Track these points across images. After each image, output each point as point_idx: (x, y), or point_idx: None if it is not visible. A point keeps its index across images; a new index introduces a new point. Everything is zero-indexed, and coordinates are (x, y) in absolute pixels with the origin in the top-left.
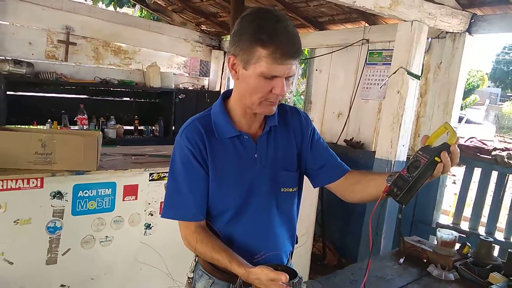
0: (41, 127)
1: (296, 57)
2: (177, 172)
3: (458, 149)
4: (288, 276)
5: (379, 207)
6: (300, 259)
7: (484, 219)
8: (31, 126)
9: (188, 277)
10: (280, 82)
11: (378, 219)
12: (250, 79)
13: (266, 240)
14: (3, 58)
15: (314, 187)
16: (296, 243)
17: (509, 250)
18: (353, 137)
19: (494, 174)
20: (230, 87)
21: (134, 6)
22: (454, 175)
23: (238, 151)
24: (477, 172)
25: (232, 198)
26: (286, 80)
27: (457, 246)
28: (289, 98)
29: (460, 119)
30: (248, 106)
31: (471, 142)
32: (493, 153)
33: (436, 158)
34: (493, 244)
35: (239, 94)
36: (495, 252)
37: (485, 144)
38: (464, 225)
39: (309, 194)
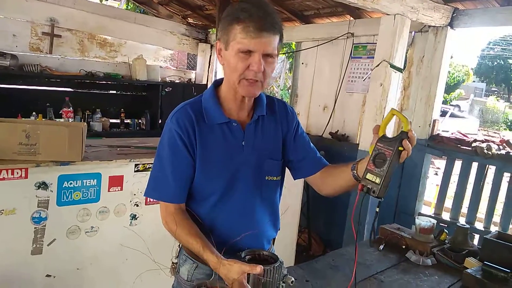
0: (25, 119)
1: (269, 30)
2: (163, 154)
3: (415, 133)
4: (262, 268)
5: (359, 205)
6: (285, 249)
7: (465, 209)
8: (14, 119)
9: (173, 262)
10: (256, 57)
11: (360, 210)
12: (230, 58)
13: (249, 226)
14: None
15: (294, 179)
16: (278, 229)
17: (484, 236)
18: (338, 130)
19: (475, 165)
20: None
21: None
22: (438, 168)
23: (226, 137)
24: (458, 164)
25: (217, 182)
26: (265, 58)
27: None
28: (277, 92)
29: (444, 113)
30: (233, 88)
31: (452, 134)
32: (473, 144)
33: (400, 148)
34: (469, 232)
35: (226, 79)
36: (475, 241)
37: (466, 136)
38: (446, 216)
39: (295, 185)
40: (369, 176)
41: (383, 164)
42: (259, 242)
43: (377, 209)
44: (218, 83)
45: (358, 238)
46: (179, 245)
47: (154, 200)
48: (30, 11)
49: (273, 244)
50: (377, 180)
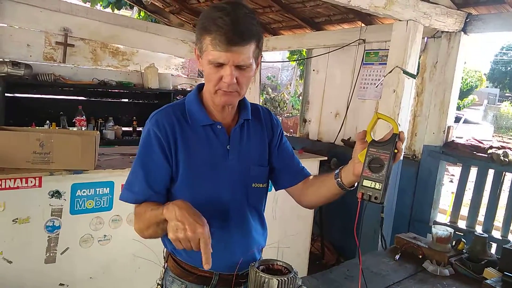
0: (39, 128)
1: (239, 43)
2: (138, 155)
3: (404, 133)
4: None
5: (361, 213)
6: (298, 258)
7: (481, 217)
8: (28, 127)
9: (158, 284)
10: (227, 70)
11: (382, 220)
12: (204, 67)
13: (240, 233)
14: (1, 60)
15: (276, 190)
16: (266, 238)
17: (503, 246)
18: (350, 137)
19: (491, 173)
20: None
21: (131, 7)
22: (453, 175)
23: (211, 140)
24: (473, 171)
25: (202, 186)
26: (239, 69)
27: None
28: (287, 99)
29: (458, 119)
30: (211, 97)
31: (467, 141)
32: (489, 151)
33: (395, 150)
34: (488, 241)
35: (205, 87)
36: (493, 250)
37: (481, 143)
38: (462, 224)
39: None
40: (366, 183)
41: (381, 169)
42: (251, 251)
43: (382, 215)
44: (201, 86)
45: (373, 247)
46: (164, 265)
47: None
48: (44, 21)
49: (262, 253)
50: (377, 186)
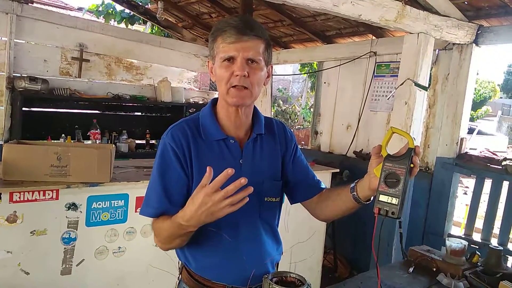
0: (56, 142)
1: (249, 34)
2: (156, 169)
3: (420, 148)
4: (246, 179)
5: (378, 229)
6: (311, 271)
7: (496, 230)
8: (46, 141)
9: None
10: (238, 62)
11: (399, 232)
12: (217, 72)
13: (251, 248)
14: (19, 75)
15: (291, 204)
16: (281, 253)
17: None
18: (362, 149)
19: (505, 184)
20: None
21: (145, 23)
22: (467, 187)
23: (224, 155)
24: (488, 183)
25: None
26: (250, 64)
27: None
28: (298, 111)
29: (472, 131)
30: (224, 101)
31: (481, 152)
32: (504, 163)
33: (411, 165)
34: (503, 254)
35: (219, 94)
36: (509, 264)
37: (495, 154)
38: (477, 237)
39: None
40: (382, 198)
41: (397, 183)
42: (264, 265)
43: (401, 230)
44: (215, 101)
45: (387, 260)
46: (178, 277)
47: None
48: (60, 37)
49: (277, 268)
50: (394, 201)
